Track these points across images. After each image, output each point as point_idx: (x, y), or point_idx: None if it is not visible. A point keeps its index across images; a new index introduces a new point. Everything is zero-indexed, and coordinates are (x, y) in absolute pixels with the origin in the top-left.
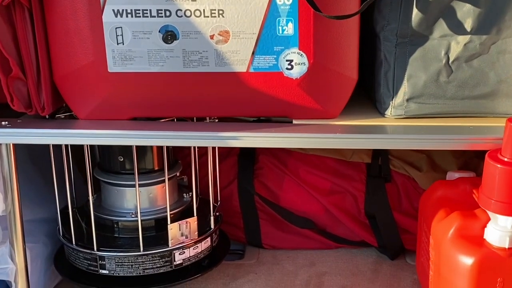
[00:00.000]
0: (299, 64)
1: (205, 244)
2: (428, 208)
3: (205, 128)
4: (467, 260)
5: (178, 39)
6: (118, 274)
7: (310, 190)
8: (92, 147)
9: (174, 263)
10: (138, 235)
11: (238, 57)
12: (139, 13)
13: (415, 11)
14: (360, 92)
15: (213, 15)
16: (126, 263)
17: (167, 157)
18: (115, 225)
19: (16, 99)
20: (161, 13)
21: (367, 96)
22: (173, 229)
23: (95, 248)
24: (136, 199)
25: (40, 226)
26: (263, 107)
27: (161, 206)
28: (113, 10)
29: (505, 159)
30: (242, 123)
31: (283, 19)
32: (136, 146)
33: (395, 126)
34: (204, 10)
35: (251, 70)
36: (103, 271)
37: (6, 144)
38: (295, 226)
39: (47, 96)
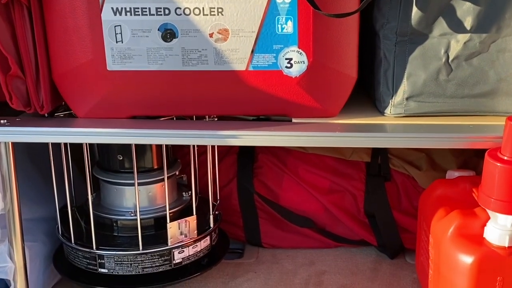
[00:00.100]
0: (298, 62)
1: (205, 243)
2: (428, 207)
3: (204, 126)
4: (467, 259)
5: (177, 38)
6: (117, 273)
7: (309, 189)
8: (91, 145)
9: (173, 262)
10: (137, 234)
11: (237, 55)
12: (138, 11)
13: (414, 9)
14: (359, 91)
15: (212, 13)
16: (125, 262)
17: (166, 155)
18: (114, 224)
19: (15, 97)
20: (160, 11)
21: (367, 94)
22: (172, 228)
23: (94, 247)
24: (135, 198)
25: (39, 225)
26: (263, 106)
27: (160, 204)
28: (112, 8)
29: (505, 158)
30: (242, 122)
31: (282, 17)
32: (135, 145)
33: (395, 125)
34: (203, 8)
35: (250, 69)
36: (102, 270)
37: (5, 143)
38: (294, 225)
39: (46, 95)
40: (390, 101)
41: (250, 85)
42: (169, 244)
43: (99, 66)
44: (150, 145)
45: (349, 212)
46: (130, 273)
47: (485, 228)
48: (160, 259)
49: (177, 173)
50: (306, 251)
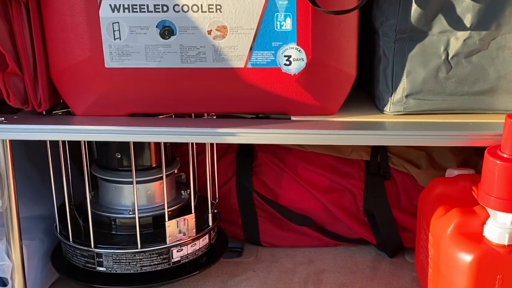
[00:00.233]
0: (297, 59)
1: (203, 241)
2: (427, 206)
3: (203, 124)
4: (466, 257)
5: (175, 35)
6: (116, 271)
7: (308, 188)
8: (89, 143)
9: (172, 261)
10: (136, 232)
11: (236, 52)
12: (136, 8)
13: (414, 6)
14: (358, 89)
15: (210, 10)
16: (124, 260)
17: (165, 153)
18: (113, 222)
19: (13, 95)
20: (158, 8)
21: (366, 92)
22: (171, 226)
23: (92, 245)
24: (134, 196)
25: (37, 223)
26: (261, 103)
27: (159, 203)
28: (110, 5)
29: (505, 155)
30: (240, 120)
31: (281, 14)
32: (134, 143)
33: (394, 123)
34: (201, 5)
35: (249, 66)
36: (100, 269)
37: (3, 140)
38: (293, 223)
39: (43, 92)
40: (390, 99)
41: (248, 83)
42: (167, 242)
43: (97, 64)
44: (149, 143)
45: (348, 210)
46: (129, 272)
47: (485, 226)
48: (158, 258)
49: (175, 172)
50: (305, 249)
